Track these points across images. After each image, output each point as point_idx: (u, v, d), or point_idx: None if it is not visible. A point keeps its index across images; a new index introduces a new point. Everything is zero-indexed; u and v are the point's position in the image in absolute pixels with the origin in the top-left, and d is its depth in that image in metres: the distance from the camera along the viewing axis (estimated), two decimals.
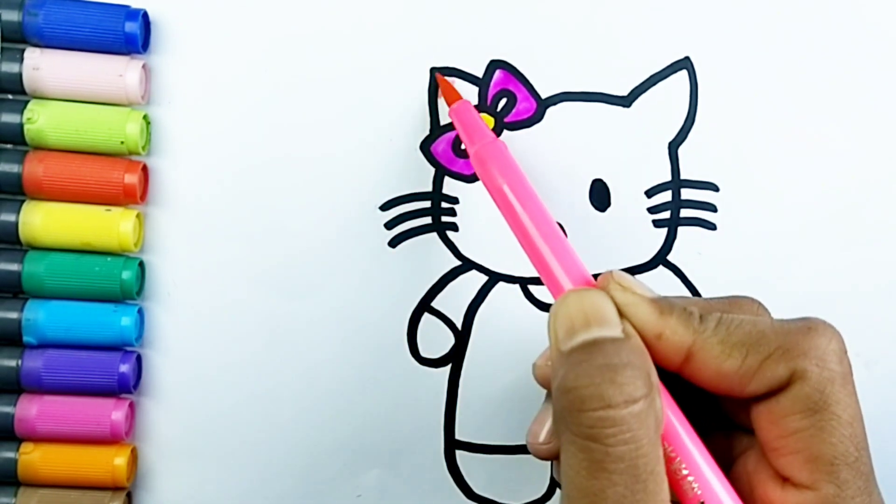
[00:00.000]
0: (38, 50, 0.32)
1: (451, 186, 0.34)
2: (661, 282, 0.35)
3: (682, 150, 0.35)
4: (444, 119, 0.34)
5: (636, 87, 0.34)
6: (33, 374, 0.33)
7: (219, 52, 0.33)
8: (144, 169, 0.33)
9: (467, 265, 0.35)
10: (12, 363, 0.33)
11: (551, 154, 0.34)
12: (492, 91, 0.34)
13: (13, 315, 0.33)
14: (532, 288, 0.35)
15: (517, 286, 0.35)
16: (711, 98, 0.35)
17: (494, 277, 0.35)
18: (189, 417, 0.35)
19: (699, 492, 0.25)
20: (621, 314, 0.26)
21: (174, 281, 0.34)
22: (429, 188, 0.34)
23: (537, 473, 0.36)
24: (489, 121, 0.34)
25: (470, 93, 0.34)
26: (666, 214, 0.35)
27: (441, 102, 0.34)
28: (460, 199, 0.34)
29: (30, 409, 0.33)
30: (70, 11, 0.32)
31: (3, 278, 0.33)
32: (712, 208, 0.35)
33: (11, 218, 0.32)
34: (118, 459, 0.34)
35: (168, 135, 0.33)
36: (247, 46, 0.33)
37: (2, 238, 0.33)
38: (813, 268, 0.36)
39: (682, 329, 0.26)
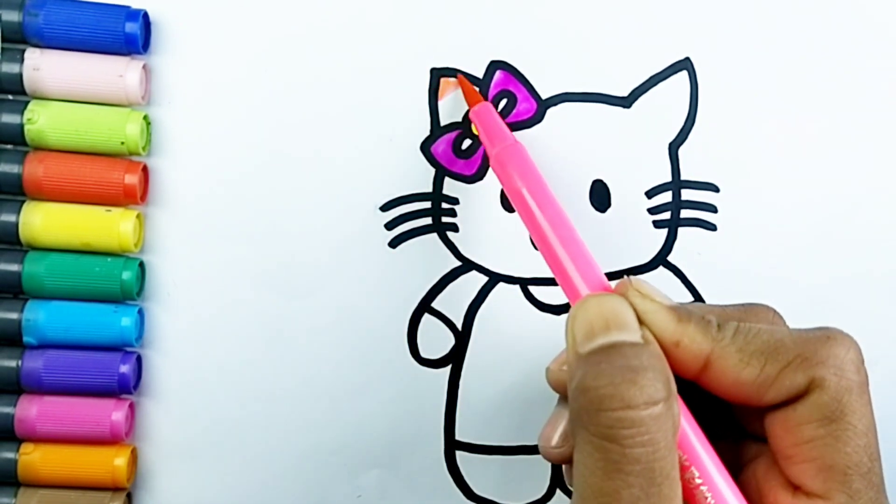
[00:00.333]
0: (38, 50, 0.32)
1: (451, 187, 0.34)
2: (661, 282, 0.35)
3: (683, 151, 0.35)
4: (445, 119, 0.34)
5: (636, 88, 0.34)
6: (33, 374, 0.33)
7: (219, 52, 0.33)
8: (145, 169, 0.33)
9: (467, 266, 0.35)
10: (12, 363, 0.33)
11: (551, 155, 0.34)
12: (492, 91, 0.34)
13: (13, 315, 0.33)
14: (532, 289, 0.35)
15: (517, 287, 0.35)
16: (711, 99, 0.35)
17: (495, 278, 0.35)
18: (189, 418, 0.35)
19: (711, 501, 0.25)
20: (640, 321, 0.26)
21: (174, 281, 0.34)
22: (429, 189, 0.34)
23: (537, 474, 0.36)
24: None
25: None
26: (666, 215, 0.35)
27: (441, 103, 0.34)
28: (460, 200, 0.34)
29: (30, 410, 0.33)
30: (70, 12, 0.32)
31: (3, 279, 0.33)
32: (712, 209, 0.35)
33: (11, 218, 0.32)
34: (118, 460, 0.34)
35: (168, 135, 0.33)
36: (247, 46, 0.33)
37: (2, 238, 0.33)
38: (813, 268, 0.36)
39: (701, 337, 0.26)
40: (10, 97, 0.32)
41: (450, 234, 0.35)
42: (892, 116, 0.35)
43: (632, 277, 0.27)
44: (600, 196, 0.35)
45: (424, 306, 0.35)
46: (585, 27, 0.34)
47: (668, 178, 0.35)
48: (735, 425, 0.28)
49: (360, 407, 0.35)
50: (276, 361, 0.35)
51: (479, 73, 0.34)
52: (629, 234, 0.35)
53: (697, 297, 0.35)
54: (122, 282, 0.33)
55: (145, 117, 0.33)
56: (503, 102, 0.34)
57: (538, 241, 0.29)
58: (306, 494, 0.36)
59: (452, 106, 0.34)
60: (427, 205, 0.34)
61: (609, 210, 0.35)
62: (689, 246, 0.35)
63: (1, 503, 0.33)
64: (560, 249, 0.28)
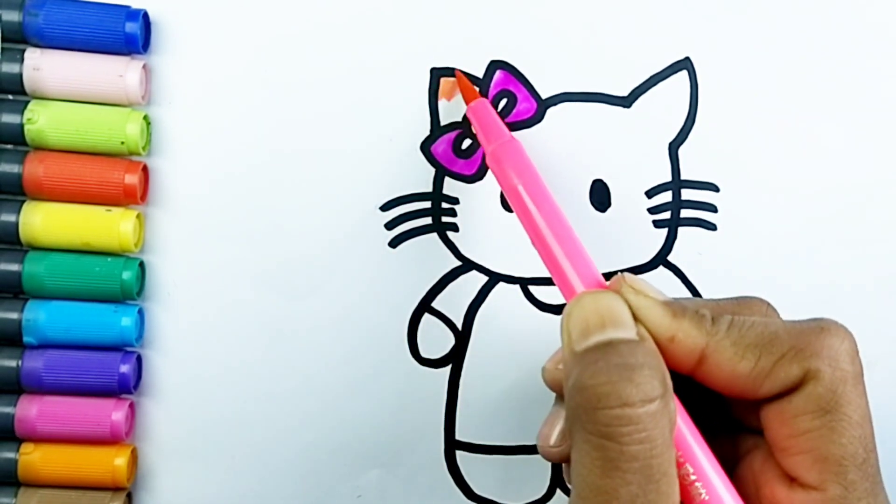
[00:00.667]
0: (38, 50, 0.32)
1: (451, 187, 0.34)
2: (661, 282, 0.35)
3: (683, 151, 0.35)
4: (445, 119, 0.34)
5: (636, 88, 0.34)
6: (34, 374, 0.33)
7: (219, 52, 0.33)
8: (145, 169, 0.33)
9: (467, 265, 0.35)
10: (13, 363, 0.33)
11: (551, 154, 0.34)
12: (492, 91, 0.34)
13: (13, 315, 0.33)
14: (532, 288, 0.35)
15: (517, 286, 0.35)
16: (711, 98, 0.35)
17: (495, 278, 0.35)
18: (189, 418, 0.35)
19: (706, 497, 0.25)
20: (634, 317, 0.26)
21: (174, 281, 0.34)
22: (429, 188, 0.34)
23: (537, 474, 0.36)
24: None
25: None
26: (666, 215, 0.35)
27: (441, 103, 0.34)
28: (461, 200, 0.34)
29: (30, 410, 0.33)
30: (70, 12, 0.32)
31: (3, 278, 0.33)
32: (712, 209, 0.35)
33: (12, 218, 0.32)
34: (118, 460, 0.34)
35: (168, 135, 0.33)
36: (247, 46, 0.33)
37: (2, 238, 0.33)
38: (813, 268, 0.36)
39: (695, 332, 0.26)
40: (10, 97, 0.32)
41: (450, 234, 0.35)
42: (892, 116, 0.35)
43: (625, 274, 0.27)
44: (600, 196, 0.35)
45: (424, 306, 0.35)
46: (585, 27, 0.34)
47: (668, 178, 0.35)
48: (730, 418, 0.28)
49: (360, 407, 0.35)
50: (276, 361, 0.35)
51: (479, 73, 0.34)
52: (629, 233, 0.35)
53: (697, 297, 0.35)
54: (122, 282, 0.33)
55: (145, 117, 0.33)
56: (503, 102, 0.34)
57: (534, 238, 0.29)
58: (306, 494, 0.36)
59: (452, 106, 0.34)
60: (427, 205, 0.34)
61: (609, 210, 0.35)
62: (689, 246, 0.35)
63: (1, 503, 0.33)
64: (555, 246, 0.28)
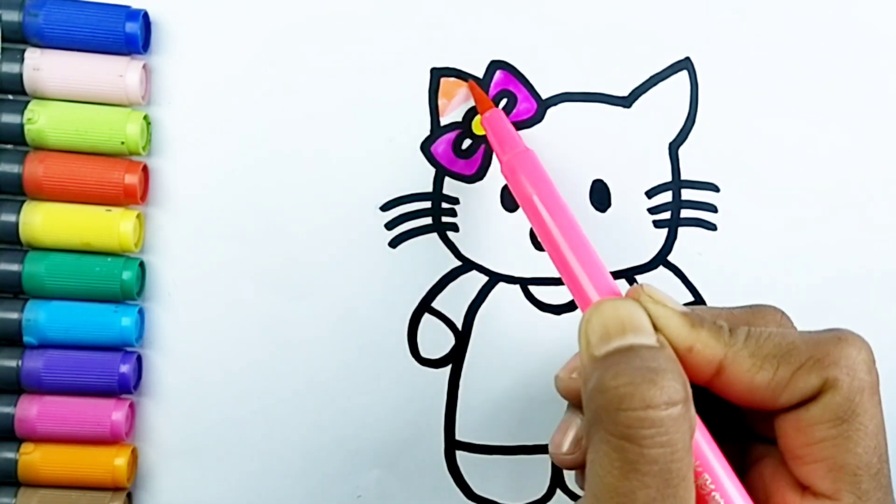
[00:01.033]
0: (38, 50, 0.32)
1: (451, 187, 0.34)
2: (661, 282, 0.35)
3: (683, 151, 0.35)
4: (445, 119, 0.34)
5: (636, 88, 0.34)
6: (34, 374, 0.33)
7: (219, 52, 0.33)
8: (145, 169, 0.33)
9: (468, 265, 0.35)
10: (12, 363, 0.33)
11: (552, 154, 0.34)
12: (492, 91, 0.34)
13: (13, 315, 0.33)
14: (532, 288, 0.35)
15: (517, 287, 0.35)
16: (711, 98, 0.35)
17: (495, 278, 0.35)
18: (189, 418, 0.35)
19: None
20: (653, 326, 0.26)
21: (174, 281, 0.34)
22: (429, 188, 0.34)
23: (538, 474, 0.36)
24: None
25: None
26: (666, 215, 0.35)
27: (441, 103, 0.34)
28: (461, 200, 0.34)
29: (30, 410, 0.33)
30: (70, 12, 0.32)
31: (3, 278, 0.33)
32: (713, 209, 0.35)
33: (12, 218, 0.32)
34: (118, 460, 0.34)
35: (168, 135, 0.33)
36: (247, 46, 0.33)
37: (2, 238, 0.33)
38: (813, 268, 0.36)
39: (713, 342, 0.26)
40: (10, 97, 0.32)
41: (450, 234, 0.35)
42: (892, 116, 0.35)
43: (644, 283, 0.27)
44: (600, 196, 0.35)
45: (424, 306, 0.35)
46: (585, 27, 0.34)
47: (668, 178, 0.35)
48: (740, 427, 0.28)
49: (359, 407, 0.35)
50: (276, 361, 0.35)
51: (480, 73, 0.34)
52: (629, 233, 0.35)
53: (697, 297, 0.35)
54: (122, 282, 0.33)
55: (145, 117, 0.33)
56: (503, 102, 0.34)
57: (549, 248, 0.29)
58: (306, 494, 0.36)
59: (453, 106, 0.34)
60: (427, 205, 0.34)
61: (609, 210, 0.35)
62: (689, 246, 0.35)
63: (1, 503, 0.33)
64: (571, 256, 0.28)
